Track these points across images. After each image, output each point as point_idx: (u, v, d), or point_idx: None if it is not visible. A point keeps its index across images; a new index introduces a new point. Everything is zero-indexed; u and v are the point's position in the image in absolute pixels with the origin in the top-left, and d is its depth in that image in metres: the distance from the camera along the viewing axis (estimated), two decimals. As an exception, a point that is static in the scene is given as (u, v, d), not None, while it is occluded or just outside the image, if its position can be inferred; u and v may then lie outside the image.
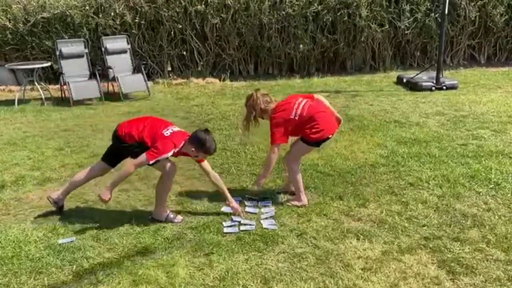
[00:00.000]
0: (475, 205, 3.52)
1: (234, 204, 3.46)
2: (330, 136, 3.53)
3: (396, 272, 2.73)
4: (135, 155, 3.20)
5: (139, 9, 8.50)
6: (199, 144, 3.25)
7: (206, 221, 3.39)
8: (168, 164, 3.30)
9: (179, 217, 3.43)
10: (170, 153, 3.19)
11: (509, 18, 9.47)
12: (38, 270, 2.84)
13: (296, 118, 3.44)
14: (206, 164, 3.48)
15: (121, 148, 3.35)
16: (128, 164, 3.23)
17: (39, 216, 3.54)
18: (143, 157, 3.13)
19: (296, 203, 3.59)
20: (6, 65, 8.04)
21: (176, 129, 3.34)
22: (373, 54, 9.56)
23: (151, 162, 3.13)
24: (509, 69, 9.40)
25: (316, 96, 3.70)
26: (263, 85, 8.43)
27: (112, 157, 3.51)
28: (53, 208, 3.58)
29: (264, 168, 3.62)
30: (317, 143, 3.54)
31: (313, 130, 3.44)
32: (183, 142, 3.26)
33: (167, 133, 3.26)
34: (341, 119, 3.76)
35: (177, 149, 3.23)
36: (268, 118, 3.57)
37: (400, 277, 2.68)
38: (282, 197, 3.76)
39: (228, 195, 3.48)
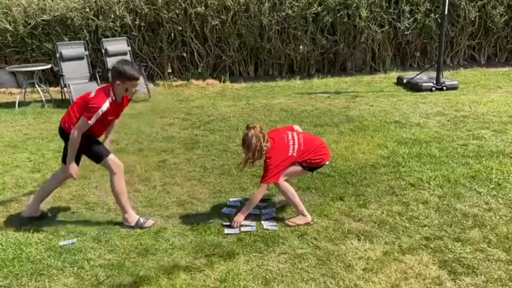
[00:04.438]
0: (476, 205, 3.52)
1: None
2: (327, 162, 3.49)
3: (397, 272, 2.72)
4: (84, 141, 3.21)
5: (139, 11, 8.51)
6: (120, 75, 3.15)
7: (207, 222, 3.39)
8: (113, 162, 3.31)
9: (150, 221, 3.39)
10: (107, 104, 3.13)
11: (509, 18, 9.47)
12: (39, 272, 2.84)
13: (294, 154, 3.30)
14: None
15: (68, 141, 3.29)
16: (71, 133, 3.16)
17: (42, 217, 3.53)
18: (81, 119, 3.12)
19: (299, 221, 3.33)
20: (6, 68, 8.05)
21: (98, 87, 3.27)
22: (373, 55, 9.56)
23: (90, 121, 3.10)
24: (509, 69, 9.39)
25: (294, 126, 3.61)
26: (264, 86, 8.44)
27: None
28: (48, 215, 3.59)
29: (248, 205, 3.35)
30: (313, 168, 3.46)
31: (312, 161, 3.36)
32: (111, 89, 3.19)
33: (93, 94, 3.20)
34: None
35: (112, 98, 3.17)
36: (263, 157, 3.32)
37: (401, 278, 2.67)
38: (282, 213, 3.75)
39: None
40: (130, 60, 3.17)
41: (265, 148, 3.26)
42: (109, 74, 3.20)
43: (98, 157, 3.33)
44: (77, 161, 3.40)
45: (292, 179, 3.66)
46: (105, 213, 3.60)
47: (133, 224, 3.36)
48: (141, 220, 3.37)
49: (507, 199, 3.61)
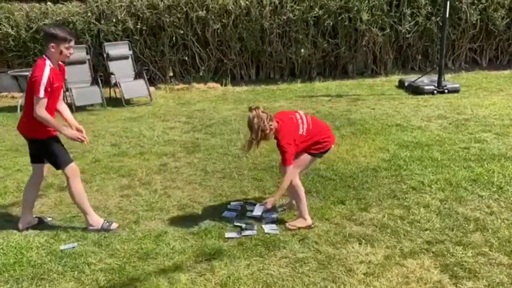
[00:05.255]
0: (478, 209, 3.50)
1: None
2: (332, 146, 3.49)
3: (398, 277, 2.71)
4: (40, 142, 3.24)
5: (141, 15, 8.54)
6: (53, 37, 3.13)
7: (208, 226, 3.39)
8: (72, 169, 3.30)
9: (115, 224, 3.42)
10: (47, 69, 3.10)
11: (511, 21, 9.47)
12: (39, 277, 2.84)
13: (304, 133, 3.28)
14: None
15: (32, 145, 3.33)
16: (36, 115, 3.13)
17: (41, 222, 3.54)
18: (34, 100, 3.09)
19: (300, 224, 3.32)
20: (8, 72, 8.08)
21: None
22: (375, 58, 9.57)
23: (40, 95, 3.07)
24: (511, 72, 9.38)
25: (299, 111, 3.59)
26: (265, 90, 8.44)
27: (37, 155, 3.42)
28: (49, 218, 3.61)
29: (279, 190, 3.31)
30: (321, 153, 3.45)
31: (320, 144, 3.36)
32: (46, 58, 3.17)
33: (30, 74, 3.17)
34: None
35: (50, 63, 3.15)
36: (270, 138, 3.28)
37: (403, 282, 2.66)
38: (282, 213, 3.74)
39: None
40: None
41: (270, 127, 3.20)
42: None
43: (59, 164, 3.32)
44: (42, 162, 3.43)
45: (303, 172, 3.62)
46: (106, 217, 3.59)
47: (98, 227, 3.37)
48: (106, 224, 3.39)
49: (509, 202, 3.59)
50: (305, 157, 3.36)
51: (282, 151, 3.24)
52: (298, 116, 3.37)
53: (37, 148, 3.35)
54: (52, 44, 3.15)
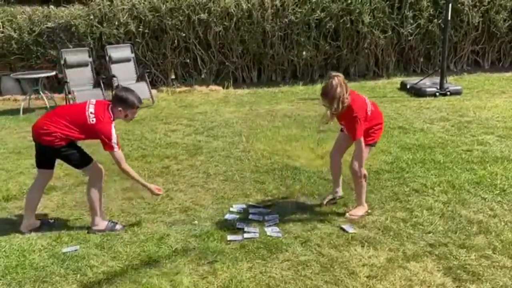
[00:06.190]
0: (481, 211, 3.49)
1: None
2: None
3: (401, 279, 2.70)
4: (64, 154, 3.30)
5: (143, 18, 8.56)
6: (123, 103, 3.30)
7: (210, 229, 3.39)
8: (96, 168, 3.37)
9: (119, 225, 3.45)
10: (114, 130, 3.25)
11: (513, 23, 9.46)
12: (42, 279, 2.84)
13: (369, 113, 3.29)
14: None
15: (48, 151, 3.33)
16: (122, 170, 3.34)
17: (43, 224, 3.54)
18: (113, 155, 3.27)
19: (360, 212, 3.44)
20: (11, 75, 8.11)
21: (91, 108, 3.27)
22: (376, 61, 9.56)
23: (115, 149, 3.24)
24: (514, 74, 9.36)
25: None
26: (267, 92, 8.45)
27: (45, 161, 3.44)
28: (51, 221, 3.61)
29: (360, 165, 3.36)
30: (375, 143, 3.47)
31: (374, 133, 3.39)
32: (110, 111, 3.30)
33: (94, 119, 3.23)
34: None
35: (113, 120, 3.30)
36: (341, 111, 3.16)
37: (406, 285, 2.66)
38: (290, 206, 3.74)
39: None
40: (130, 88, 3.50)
41: (346, 100, 3.09)
42: (110, 95, 3.31)
43: (81, 164, 3.37)
44: (51, 166, 3.46)
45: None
46: (108, 219, 3.59)
47: (103, 228, 3.40)
48: (110, 224, 3.43)
49: (512, 205, 3.59)
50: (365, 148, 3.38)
51: (355, 122, 3.17)
52: (363, 96, 3.37)
53: (52, 153, 3.34)
54: (120, 108, 3.31)
